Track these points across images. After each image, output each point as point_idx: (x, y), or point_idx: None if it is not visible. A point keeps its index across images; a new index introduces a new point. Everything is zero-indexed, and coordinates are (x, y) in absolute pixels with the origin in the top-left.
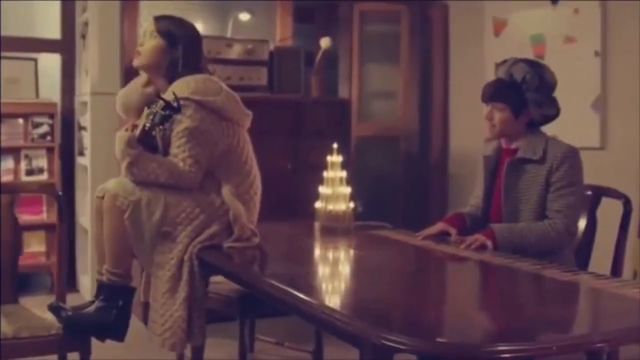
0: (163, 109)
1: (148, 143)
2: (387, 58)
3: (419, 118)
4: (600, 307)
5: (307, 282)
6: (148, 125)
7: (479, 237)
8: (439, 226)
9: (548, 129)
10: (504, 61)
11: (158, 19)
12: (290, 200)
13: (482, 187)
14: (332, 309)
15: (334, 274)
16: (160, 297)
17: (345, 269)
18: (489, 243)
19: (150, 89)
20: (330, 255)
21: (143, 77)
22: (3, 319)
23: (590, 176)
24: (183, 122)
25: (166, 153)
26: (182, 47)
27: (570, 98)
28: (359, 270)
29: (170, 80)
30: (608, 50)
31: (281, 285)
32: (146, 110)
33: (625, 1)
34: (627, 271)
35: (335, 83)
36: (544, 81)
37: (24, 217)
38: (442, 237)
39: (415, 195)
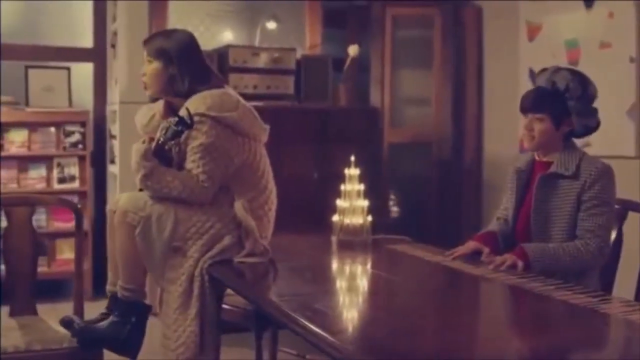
0: (176, 124)
1: (163, 157)
2: (420, 63)
3: (452, 124)
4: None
5: (314, 307)
6: (161, 139)
7: (509, 257)
8: (471, 245)
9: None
10: (544, 69)
11: (146, 43)
12: (315, 209)
13: (512, 200)
14: (335, 345)
15: (345, 296)
16: (172, 313)
17: (357, 291)
18: (519, 263)
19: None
20: (345, 274)
21: (160, 104)
22: (19, 331)
23: (625, 186)
24: (198, 138)
25: (181, 167)
26: (176, 61)
27: (605, 105)
28: (373, 293)
29: (182, 95)
30: None
31: (285, 309)
32: (161, 124)
33: None
34: None
35: (367, 89)
36: (586, 91)
37: (57, 225)
38: (473, 256)
39: (449, 201)
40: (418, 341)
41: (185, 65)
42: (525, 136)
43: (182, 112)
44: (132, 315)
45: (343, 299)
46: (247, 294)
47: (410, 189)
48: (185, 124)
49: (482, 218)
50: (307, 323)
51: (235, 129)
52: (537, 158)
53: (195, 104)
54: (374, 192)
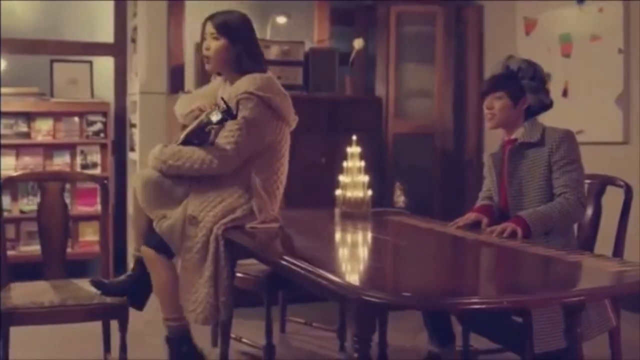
0: (223, 112)
1: (201, 138)
2: (423, 58)
3: (454, 115)
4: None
5: (312, 254)
6: (205, 120)
7: (508, 225)
8: (472, 216)
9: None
10: (499, 61)
11: (213, 19)
12: (322, 191)
13: (493, 181)
14: (321, 273)
15: (339, 248)
16: (189, 277)
17: (351, 245)
18: (518, 230)
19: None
20: (347, 236)
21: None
22: (52, 290)
23: (614, 169)
24: (242, 112)
25: None
26: (242, 41)
27: (596, 94)
28: (365, 246)
29: (241, 72)
30: (631, 48)
31: (293, 259)
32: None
33: None
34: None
35: (373, 82)
36: (537, 72)
37: (80, 209)
38: (473, 226)
39: (451, 190)
40: (417, 281)
41: (249, 46)
42: (487, 115)
43: (239, 89)
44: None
45: (346, 252)
46: (258, 252)
47: (413, 177)
48: (231, 114)
49: None
50: (314, 268)
51: (276, 111)
52: (505, 138)
53: (247, 83)
54: (379, 179)
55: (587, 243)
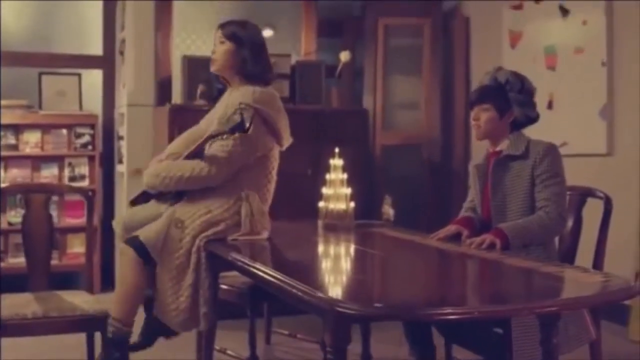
0: (238, 124)
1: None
2: (410, 70)
3: (441, 126)
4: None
5: (291, 266)
6: (216, 131)
7: (487, 237)
8: (453, 228)
9: (557, 136)
10: (487, 72)
11: (223, 26)
12: (307, 202)
13: (476, 192)
14: (297, 285)
15: (319, 260)
16: (167, 281)
17: (331, 257)
18: (497, 242)
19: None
20: (329, 247)
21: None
22: (36, 302)
23: (598, 181)
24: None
25: None
26: (248, 46)
27: (579, 106)
28: (345, 257)
29: (246, 77)
30: (614, 60)
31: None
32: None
33: (629, 12)
34: (628, 271)
35: (361, 94)
36: (525, 85)
37: (68, 220)
38: (453, 238)
39: (438, 201)
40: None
41: (256, 52)
42: (473, 126)
43: (241, 96)
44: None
45: (325, 264)
46: (238, 264)
47: (401, 188)
48: (243, 129)
49: None
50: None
51: (270, 127)
52: (490, 150)
53: (246, 94)
54: (367, 191)
55: (568, 254)
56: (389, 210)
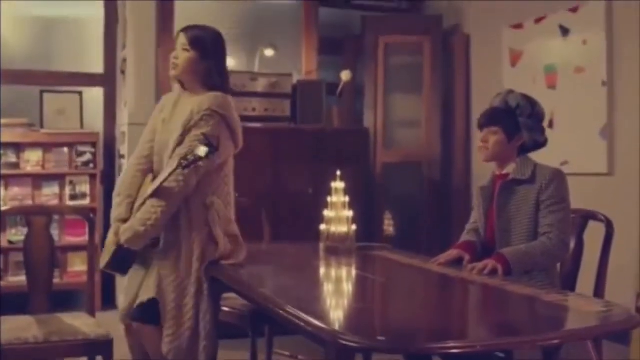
0: (208, 145)
1: None
2: (411, 87)
3: (441, 145)
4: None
5: (293, 293)
6: (191, 158)
7: (490, 262)
8: (454, 253)
9: (558, 155)
10: (499, 93)
11: (187, 32)
12: (309, 222)
13: (480, 214)
14: (299, 315)
15: (320, 286)
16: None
17: (333, 283)
18: (499, 267)
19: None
20: (330, 272)
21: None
22: (37, 325)
23: (598, 201)
24: (203, 128)
25: None
26: (212, 57)
27: (580, 126)
28: (347, 284)
29: (207, 87)
30: (614, 80)
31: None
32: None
33: (629, 32)
34: (628, 292)
35: (361, 112)
36: (535, 110)
37: (69, 239)
38: (455, 263)
39: (438, 219)
40: (396, 322)
41: (219, 63)
42: (481, 148)
43: (205, 103)
44: None
45: (327, 291)
46: (240, 290)
47: (402, 206)
48: (214, 146)
49: None
50: (294, 309)
51: (232, 131)
52: (496, 173)
53: (210, 100)
54: (368, 209)
55: (570, 277)
56: (389, 227)
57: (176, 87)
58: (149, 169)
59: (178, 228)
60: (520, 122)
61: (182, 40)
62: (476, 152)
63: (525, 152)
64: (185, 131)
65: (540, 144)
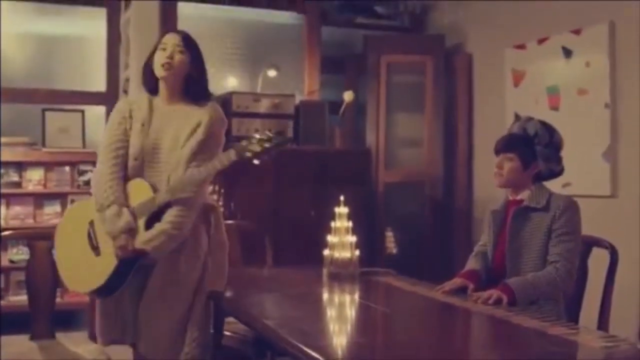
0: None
1: None
2: (413, 107)
3: (444, 164)
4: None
5: (296, 325)
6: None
7: (494, 292)
8: (458, 281)
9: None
10: (518, 119)
11: (182, 35)
12: (312, 245)
13: (490, 237)
14: (304, 350)
15: (324, 317)
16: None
17: (336, 314)
18: (504, 298)
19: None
20: (328, 300)
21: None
22: (39, 351)
23: (602, 223)
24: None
25: None
26: (201, 62)
27: (583, 148)
28: (350, 314)
29: (192, 93)
30: (617, 103)
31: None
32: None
33: (633, 54)
34: (631, 316)
35: (363, 131)
36: (553, 139)
37: None
38: (459, 291)
39: (440, 239)
40: (400, 355)
41: (204, 69)
42: (496, 174)
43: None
44: None
45: (331, 323)
46: (243, 319)
47: (404, 226)
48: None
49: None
50: (297, 343)
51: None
52: (510, 198)
53: (218, 110)
54: (371, 229)
55: (573, 303)
56: (390, 245)
57: (134, 92)
58: (124, 175)
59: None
60: (537, 151)
61: (175, 41)
62: (478, 172)
63: (540, 180)
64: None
65: (556, 173)
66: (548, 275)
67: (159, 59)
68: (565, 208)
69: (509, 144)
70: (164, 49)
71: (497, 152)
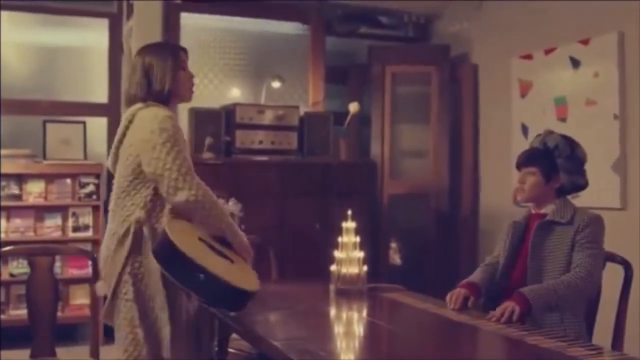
0: None
1: None
2: (418, 118)
3: (449, 175)
4: None
5: (303, 346)
6: None
7: (507, 305)
8: (462, 292)
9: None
10: (539, 134)
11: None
12: (317, 258)
13: (507, 249)
14: None
15: (332, 337)
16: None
17: (344, 333)
18: (517, 309)
19: None
20: (336, 318)
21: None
22: None
23: (611, 235)
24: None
25: None
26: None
27: (592, 159)
28: (358, 333)
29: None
30: (627, 114)
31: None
32: None
33: None
34: None
35: (368, 142)
36: (575, 152)
37: (71, 271)
38: (465, 305)
39: (446, 250)
40: None
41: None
42: (518, 189)
43: None
44: None
45: (338, 342)
46: (249, 338)
47: (409, 237)
48: None
49: (478, 266)
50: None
51: None
52: (533, 211)
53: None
54: (375, 241)
55: (587, 320)
56: (395, 256)
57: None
58: None
59: None
60: (559, 164)
61: (188, 61)
62: (484, 183)
63: (564, 194)
64: None
65: (580, 186)
66: (568, 279)
67: (190, 82)
68: (590, 221)
69: (529, 158)
70: (187, 69)
71: (519, 166)
